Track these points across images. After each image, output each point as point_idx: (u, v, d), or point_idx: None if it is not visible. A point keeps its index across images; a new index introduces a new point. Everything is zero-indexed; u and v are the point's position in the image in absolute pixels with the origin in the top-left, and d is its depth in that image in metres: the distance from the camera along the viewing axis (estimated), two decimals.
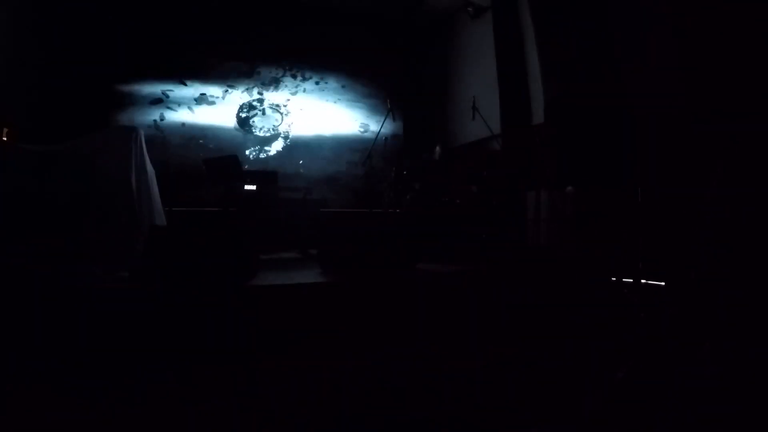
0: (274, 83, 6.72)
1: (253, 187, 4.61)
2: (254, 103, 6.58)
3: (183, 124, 6.14)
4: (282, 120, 6.70)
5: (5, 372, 2.02)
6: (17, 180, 3.01)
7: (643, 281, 3.17)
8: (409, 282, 3.01)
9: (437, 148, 4.79)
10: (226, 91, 6.43)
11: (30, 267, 2.70)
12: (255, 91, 6.60)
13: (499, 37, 5.36)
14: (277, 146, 6.63)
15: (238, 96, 6.50)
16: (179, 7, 6.10)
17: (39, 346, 2.19)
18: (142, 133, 3.45)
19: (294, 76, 6.83)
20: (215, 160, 4.64)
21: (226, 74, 6.44)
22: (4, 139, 3.61)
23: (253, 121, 6.54)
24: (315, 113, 6.89)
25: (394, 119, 6.89)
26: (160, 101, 6.05)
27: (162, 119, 6.04)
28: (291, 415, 1.82)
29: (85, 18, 5.58)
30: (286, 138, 6.69)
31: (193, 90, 6.23)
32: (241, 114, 6.49)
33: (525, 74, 5.19)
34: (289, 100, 6.78)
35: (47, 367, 2.09)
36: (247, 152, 6.44)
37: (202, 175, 4.76)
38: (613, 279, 3.28)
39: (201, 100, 6.27)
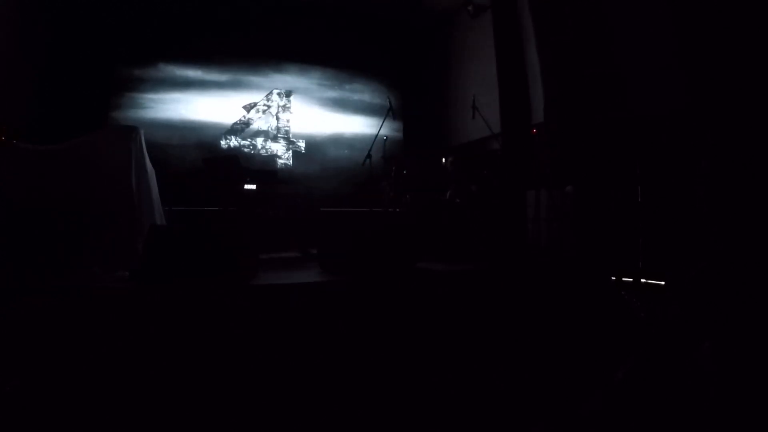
0: (275, 82, 6.71)
1: (253, 187, 4.60)
2: (254, 102, 6.57)
3: (183, 123, 6.14)
4: (282, 119, 6.70)
5: (5, 371, 2.01)
6: (17, 180, 3.00)
7: (643, 281, 3.17)
8: (409, 282, 3.00)
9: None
10: (226, 90, 6.42)
11: (30, 267, 2.70)
12: (255, 89, 6.60)
13: (499, 36, 5.35)
14: (277, 145, 6.63)
15: (238, 95, 6.49)
16: (181, 6, 6.10)
17: (38, 346, 2.19)
18: (141, 132, 3.45)
19: (294, 75, 6.83)
20: (215, 159, 4.64)
21: (226, 74, 6.43)
22: (2, 138, 3.60)
23: (254, 120, 6.54)
24: (315, 112, 6.89)
25: (394, 118, 6.89)
26: (161, 100, 6.05)
27: (163, 118, 6.04)
28: (290, 413, 1.82)
29: (85, 16, 5.58)
30: (286, 137, 6.69)
31: (193, 88, 6.23)
32: (241, 113, 6.49)
33: (525, 74, 5.18)
34: (289, 98, 6.77)
35: (46, 368, 2.08)
36: (247, 152, 6.43)
37: (201, 175, 4.75)
38: (613, 279, 3.28)
39: (201, 97, 6.26)
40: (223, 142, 6.35)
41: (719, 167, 2.83)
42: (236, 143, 6.40)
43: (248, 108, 6.52)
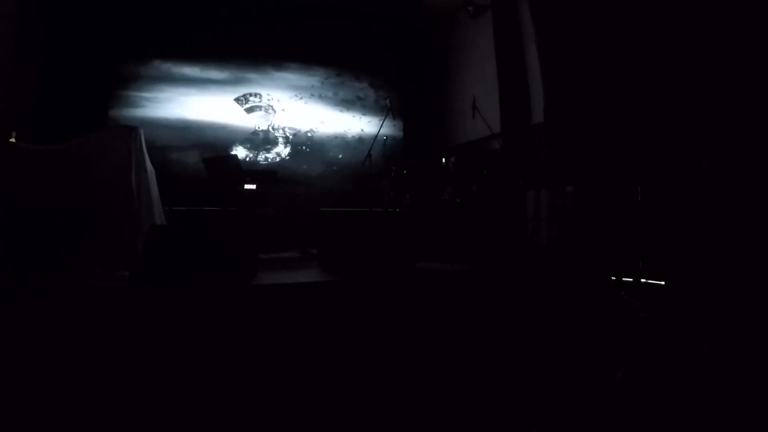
0: (275, 82, 6.71)
1: (253, 187, 4.61)
2: (254, 102, 6.57)
3: (184, 123, 6.14)
4: (282, 119, 6.70)
5: (5, 371, 2.02)
6: (17, 180, 3.00)
7: (643, 281, 3.17)
8: (409, 282, 3.00)
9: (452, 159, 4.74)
10: (227, 89, 6.42)
11: (30, 267, 2.70)
12: (255, 90, 6.59)
13: (499, 36, 5.35)
14: (276, 145, 6.63)
15: (239, 94, 6.49)
16: (181, 6, 6.10)
17: (38, 346, 2.19)
18: (141, 132, 3.45)
19: (294, 75, 6.83)
20: (215, 159, 4.63)
21: (227, 73, 6.43)
22: (12, 140, 3.59)
23: (254, 120, 6.54)
24: (315, 112, 6.89)
25: (394, 119, 6.89)
26: (161, 99, 6.05)
27: (163, 117, 6.03)
28: (290, 413, 1.82)
29: (86, 15, 5.58)
30: (285, 137, 6.69)
31: (193, 88, 6.23)
32: (241, 113, 6.48)
33: (525, 73, 5.18)
34: (289, 98, 6.77)
35: (46, 368, 2.08)
36: (247, 151, 6.43)
37: (201, 174, 4.75)
38: (613, 279, 3.28)
39: (201, 97, 6.26)
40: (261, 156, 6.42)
41: (719, 167, 2.82)
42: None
43: (245, 107, 6.52)
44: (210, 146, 6.15)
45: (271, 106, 6.67)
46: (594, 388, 1.86)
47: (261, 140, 6.55)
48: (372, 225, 3.36)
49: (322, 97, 6.96)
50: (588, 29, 4.46)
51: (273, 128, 6.63)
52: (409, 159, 4.98)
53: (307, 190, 6.39)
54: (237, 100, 6.47)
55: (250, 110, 6.54)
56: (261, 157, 6.51)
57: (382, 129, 5.02)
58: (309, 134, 6.82)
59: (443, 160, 4.82)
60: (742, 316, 1.91)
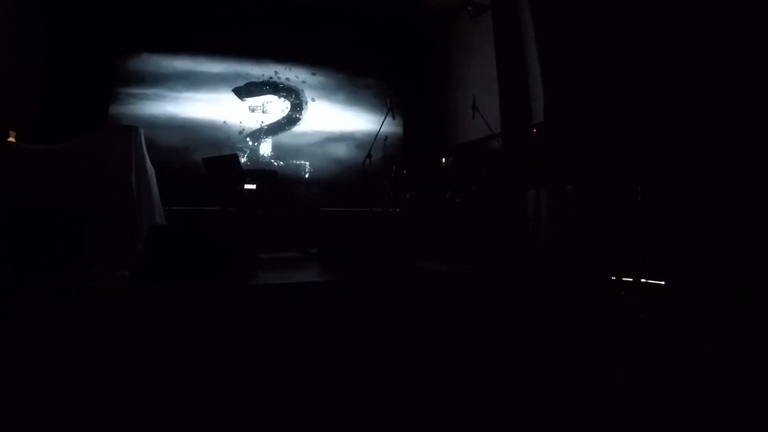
0: (275, 82, 6.71)
1: (253, 187, 4.61)
2: (254, 102, 6.57)
3: (183, 122, 6.14)
4: (281, 118, 6.70)
5: (6, 371, 2.01)
6: (17, 180, 3.00)
7: (643, 281, 3.17)
8: (409, 282, 3.00)
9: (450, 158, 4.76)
10: (225, 90, 6.42)
11: (30, 267, 2.70)
12: (255, 90, 6.60)
13: (499, 36, 5.35)
14: (277, 145, 6.63)
15: (238, 95, 6.49)
16: (181, 5, 6.10)
17: (39, 346, 2.19)
18: (142, 132, 3.45)
19: (294, 75, 6.83)
20: (215, 159, 4.63)
21: (228, 72, 6.43)
22: (11, 140, 3.59)
23: (254, 120, 6.54)
24: (315, 112, 6.89)
25: (394, 118, 6.89)
26: (161, 98, 6.05)
27: (164, 116, 6.03)
28: (290, 413, 1.82)
29: (85, 12, 5.57)
30: (286, 137, 6.68)
31: (191, 88, 6.22)
32: (240, 112, 6.48)
33: (525, 73, 5.19)
34: (289, 98, 6.77)
35: (47, 368, 2.08)
36: (247, 151, 6.43)
37: (201, 174, 4.76)
38: (613, 279, 3.28)
39: (200, 97, 6.26)
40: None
41: (719, 167, 2.83)
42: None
43: (245, 106, 6.52)
44: (210, 146, 6.15)
45: (272, 107, 6.67)
46: (594, 388, 1.86)
47: (261, 140, 6.54)
48: (372, 225, 3.36)
49: (321, 97, 6.96)
50: (588, 29, 4.46)
51: (273, 128, 6.63)
52: (409, 159, 4.98)
53: (307, 190, 6.39)
54: (235, 89, 6.45)
55: (252, 112, 6.54)
56: (260, 157, 6.51)
57: (382, 128, 5.02)
58: (309, 134, 6.81)
59: (443, 160, 4.82)
60: (742, 316, 1.91)
